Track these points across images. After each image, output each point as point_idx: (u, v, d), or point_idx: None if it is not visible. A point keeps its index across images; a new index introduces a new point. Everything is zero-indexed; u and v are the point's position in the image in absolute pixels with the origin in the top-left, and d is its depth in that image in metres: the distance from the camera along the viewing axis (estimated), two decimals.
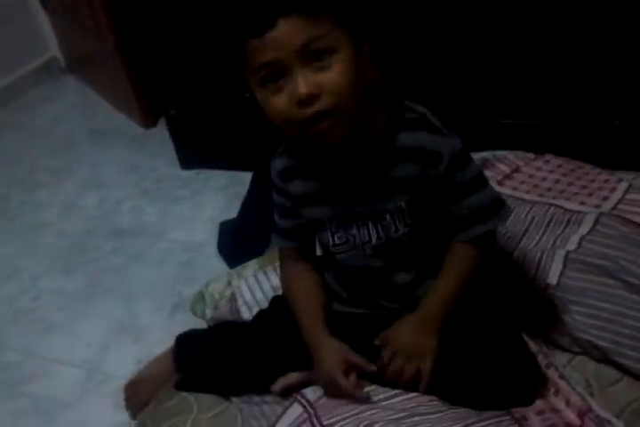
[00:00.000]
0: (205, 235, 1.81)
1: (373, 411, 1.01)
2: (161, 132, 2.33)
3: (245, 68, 0.92)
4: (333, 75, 0.88)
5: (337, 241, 1.07)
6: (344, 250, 1.07)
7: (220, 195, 2.00)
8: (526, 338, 1.11)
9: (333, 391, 1.06)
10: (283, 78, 0.89)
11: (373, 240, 1.03)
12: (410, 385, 1.03)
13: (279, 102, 0.90)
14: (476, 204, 1.00)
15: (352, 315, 1.13)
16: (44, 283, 1.82)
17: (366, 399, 1.04)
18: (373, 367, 1.04)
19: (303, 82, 0.87)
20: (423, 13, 1.65)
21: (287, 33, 0.86)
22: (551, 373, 1.06)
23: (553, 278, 1.17)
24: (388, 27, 1.56)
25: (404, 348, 1.03)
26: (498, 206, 1.02)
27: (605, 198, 1.33)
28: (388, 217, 1.01)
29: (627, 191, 1.34)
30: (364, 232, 1.04)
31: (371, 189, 1.01)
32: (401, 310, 1.09)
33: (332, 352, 1.06)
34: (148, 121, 2.51)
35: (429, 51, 1.70)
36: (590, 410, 0.99)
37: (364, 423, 0.98)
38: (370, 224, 1.03)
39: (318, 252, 1.18)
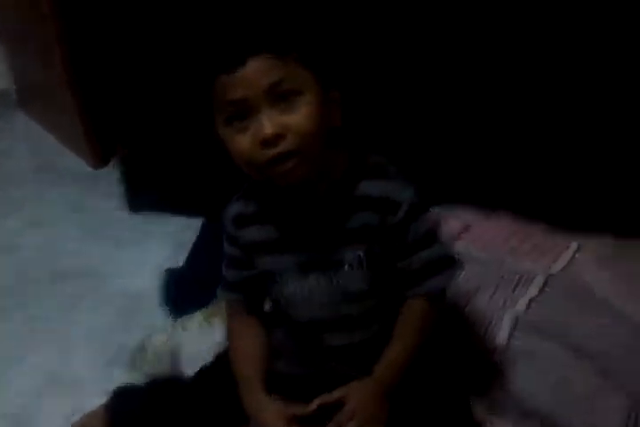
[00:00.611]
0: (149, 282, 1.75)
1: None
2: (110, 172, 2.29)
3: (212, 104, 0.92)
4: (299, 117, 0.89)
5: (291, 292, 1.04)
6: (297, 302, 1.04)
7: (168, 241, 1.95)
8: (473, 402, 1.09)
9: None
10: (249, 117, 0.89)
11: (331, 290, 1.01)
12: None
13: (243, 141, 0.90)
14: (429, 258, 0.99)
15: (295, 377, 1.09)
16: None
17: None
18: (313, 406, 1.00)
19: (269, 122, 0.88)
20: (384, 66, 1.67)
21: (256, 72, 0.88)
22: None
23: (502, 340, 1.17)
24: (354, 76, 1.57)
25: (362, 412, 0.98)
26: (450, 262, 1.02)
27: (554, 260, 1.36)
28: (346, 267, 0.99)
29: (575, 254, 1.36)
30: (320, 283, 1.01)
31: (329, 237, 0.99)
32: (350, 372, 1.05)
33: (275, 417, 1.02)
34: (98, 161, 2.46)
35: (388, 101, 1.72)
36: None
37: None
38: (327, 274, 1.01)
39: (267, 307, 1.15)
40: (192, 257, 1.74)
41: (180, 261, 1.77)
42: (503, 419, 1.11)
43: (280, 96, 0.89)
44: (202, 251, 1.74)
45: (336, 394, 1.00)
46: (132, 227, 2.06)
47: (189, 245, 1.79)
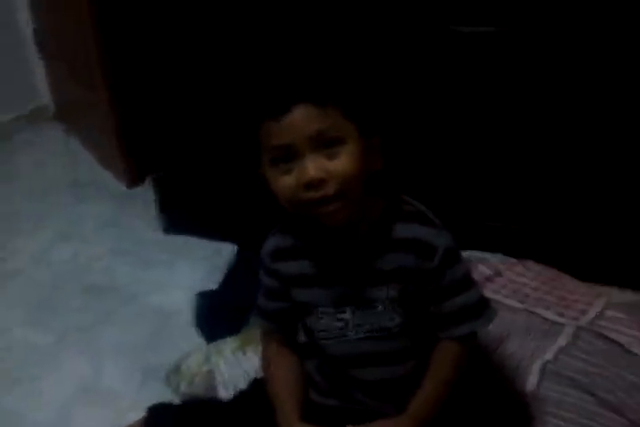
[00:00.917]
0: (180, 303, 1.78)
1: None
2: (145, 192, 2.32)
3: (256, 145, 0.97)
4: (341, 163, 0.93)
5: (326, 326, 1.07)
6: (331, 336, 1.07)
7: (200, 264, 1.98)
8: None
9: None
10: (293, 161, 0.94)
11: (364, 327, 1.04)
12: None
13: (287, 183, 0.94)
14: (464, 303, 1.02)
15: (328, 407, 1.12)
16: (15, 335, 1.77)
17: None
18: None
19: (312, 167, 0.92)
20: (422, 118, 1.73)
21: (301, 120, 0.92)
22: None
23: (530, 387, 1.19)
24: (393, 125, 1.63)
25: None
26: (484, 306, 1.05)
27: (584, 312, 1.37)
28: (379, 306, 1.02)
29: (605, 307, 1.38)
30: (355, 318, 1.04)
31: (364, 275, 1.03)
32: (381, 407, 1.08)
33: None
34: (132, 180, 2.50)
35: (422, 151, 1.77)
36: None
37: None
38: (361, 311, 1.04)
39: (301, 338, 1.18)
40: (225, 282, 1.78)
41: (210, 284, 1.81)
42: None
43: (323, 143, 0.93)
44: (234, 277, 1.78)
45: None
46: (164, 248, 2.10)
47: (221, 270, 1.83)
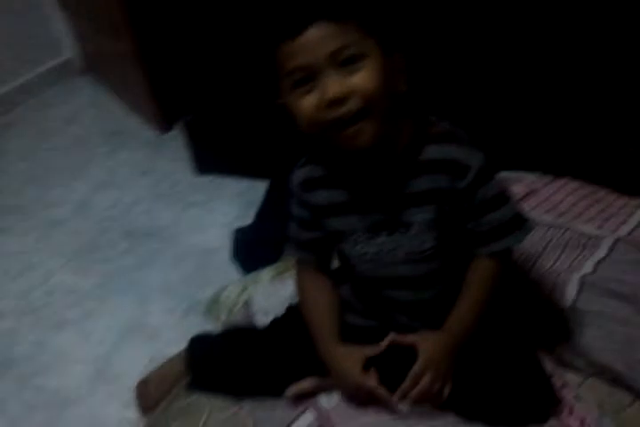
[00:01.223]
0: (219, 240, 1.81)
1: (388, 421, 1.02)
2: (177, 136, 2.33)
3: (277, 72, 0.94)
4: (363, 77, 0.91)
5: (361, 251, 1.07)
6: (366, 260, 1.08)
7: (235, 201, 2.01)
8: (542, 358, 1.12)
9: (362, 397, 1.07)
10: (313, 81, 0.91)
11: (399, 250, 1.04)
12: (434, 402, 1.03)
13: (309, 103, 0.92)
14: (499, 219, 1.01)
15: (366, 328, 1.14)
16: (58, 279, 1.83)
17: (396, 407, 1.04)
18: (385, 344, 1.06)
19: (333, 83, 0.90)
20: (445, 32, 1.67)
21: (317, 38, 0.90)
22: (565, 393, 1.08)
23: (568, 301, 1.18)
24: (413, 41, 1.58)
25: (434, 365, 1.02)
26: (520, 222, 1.03)
27: (623, 223, 1.35)
28: (414, 228, 1.02)
29: None
30: (388, 243, 1.05)
31: (397, 199, 1.02)
32: (416, 326, 1.10)
33: (351, 362, 1.06)
34: (164, 125, 2.51)
35: (449, 70, 1.73)
36: None
37: None
38: (396, 234, 1.04)
39: (334, 264, 1.20)
40: (260, 216, 1.79)
41: (247, 220, 1.82)
42: (573, 373, 1.13)
43: (343, 60, 0.90)
44: (269, 210, 1.79)
45: (409, 338, 1.04)
46: (200, 188, 2.12)
47: (256, 205, 1.84)
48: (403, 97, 0.98)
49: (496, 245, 1.02)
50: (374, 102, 0.91)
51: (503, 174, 1.52)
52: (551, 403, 1.05)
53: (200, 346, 1.28)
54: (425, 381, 1.01)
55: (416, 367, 1.01)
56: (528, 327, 1.16)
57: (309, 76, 0.91)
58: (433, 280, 1.07)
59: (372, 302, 1.14)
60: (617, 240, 1.28)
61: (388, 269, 1.07)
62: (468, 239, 1.03)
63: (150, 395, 1.28)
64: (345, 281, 1.17)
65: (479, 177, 0.98)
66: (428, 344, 1.03)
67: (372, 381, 1.04)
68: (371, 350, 1.06)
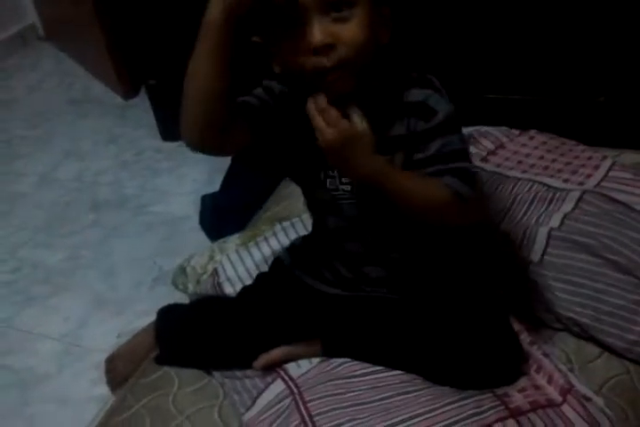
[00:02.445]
0: (187, 208, 1.79)
1: (358, 390, 1.01)
2: (142, 102, 2.29)
3: (261, 9, 0.87)
4: (351, 27, 0.86)
5: (320, 198, 1.03)
6: (326, 208, 1.03)
7: (202, 167, 1.98)
8: (510, 316, 1.11)
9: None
10: (298, 24, 0.86)
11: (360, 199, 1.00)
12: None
13: (292, 48, 0.87)
14: (452, 168, 0.92)
15: (337, 296, 1.12)
16: (24, 255, 1.80)
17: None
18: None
19: (320, 30, 0.85)
20: None
21: None
22: (534, 350, 1.07)
23: (536, 256, 1.17)
24: None
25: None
26: (472, 178, 0.94)
27: (589, 176, 1.33)
28: None
29: (610, 169, 1.34)
30: (352, 190, 1.00)
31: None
32: (387, 292, 1.08)
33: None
34: (128, 91, 2.47)
35: (418, 24, 1.68)
36: (572, 388, 1.00)
37: (348, 403, 0.98)
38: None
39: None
40: (226, 183, 1.76)
41: (215, 186, 1.80)
42: (541, 329, 1.13)
43: (332, 5, 0.85)
44: (236, 176, 1.76)
45: None
46: (166, 155, 2.09)
47: (223, 171, 1.81)
48: (384, 47, 0.93)
49: (445, 179, 0.91)
50: (358, 53, 0.87)
51: (470, 130, 1.51)
52: (519, 363, 1.04)
53: (167, 318, 1.26)
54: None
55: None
56: (496, 285, 1.15)
57: (294, 18, 0.86)
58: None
59: (344, 275, 1.11)
60: (584, 193, 1.26)
61: (349, 218, 1.03)
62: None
63: (119, 371, 1.27)
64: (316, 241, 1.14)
65: (442, 126, 0.93)
66: None
67: None
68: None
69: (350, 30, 0.86)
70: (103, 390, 1.30)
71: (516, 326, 1.10)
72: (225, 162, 1.86)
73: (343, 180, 1.01)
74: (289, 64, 0.89)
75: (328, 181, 1.02)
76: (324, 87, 0.89)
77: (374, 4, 0.89)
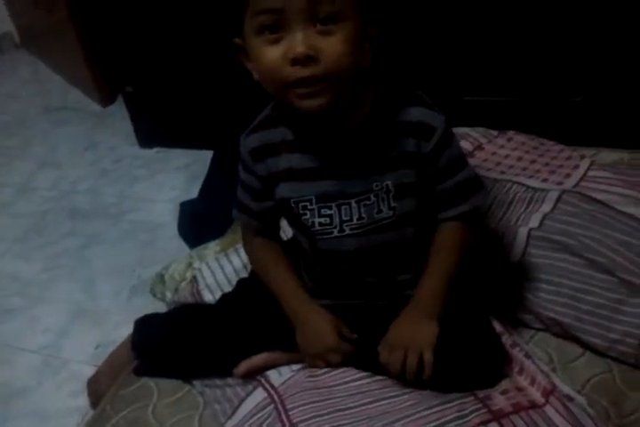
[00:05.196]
0: (165, 215, 1.77)
1: (339, 396, 1.00)
2: (119, 109, 2.28)
3: (245, 10, 0.87)
4: (334, 43, 0.85)
5: (319, 222, 1.01)
6: (326, 232, 1.02)
7: (181, 174, 1.96)
8: (491, 318, 1.10)
9: (327, 361, 1.05)
10: (282, 31, 0.85)
11: (354, 220, 0.99)
12: (414, 375, 0.99)
13: (273, 55, 0.85)
14: (463, 180, 0.99)
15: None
16: (1, 267, 1.78)
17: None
18: (355, 336, 1.04)
19: (303, 40, 0.83)
20: None
21: None
22: (516, 352, 1.06)
23: (516, 256, 1.16)
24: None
25: (400, 340, 0.99)
26: (479, 182, 1.02)
27: (568, 176, 1.33)
28: (372, 197, 0.98)
29: (589, 168, 1.34)
30: (345, 212, 1.00)
31: (358, 166, 0.97)
32: (369, 302, 1.07)
33: (329, 325, 1.03)
34: (106, 98, 2.45)
35: (397, 25, 1.67)
36: (555, 389, 1.00)
37: (329, 409, 0.97)
38: (352, 204, 0.99)
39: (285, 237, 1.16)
40: (205, 189, 1.75)
41: (193, 193, 1.78)
42: (522, 330, 1.13)
43: (318, 17, 0.84)
44: (214, 182, 1.75)
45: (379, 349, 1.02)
46: (144, 162, 2.07)
47: (202, 177, 1.79)
48: (366, 69, 0.92)
49: (463, 207, 0.99)
50: (339, 69, 0.86)
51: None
52: (502, 365, 1.03)
53: (145, 328, 1.24)
54: (396, 358, 0.98)
55: (380, 347, 1.00)
56: (477, 286, 1.14)
57: (278, 24, 0.84)
58: (386, 258, 1.04)
59: (323, 278, 1.10)
60: (563, 193, 1.26)
61: (340, 240, 1.02)
62: (431, 205, 1.00)
63: (102, 392, 1.23)
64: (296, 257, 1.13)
65: (443, 139, 0.95)
66: (393, 327, 1.01)
67: (347, 344, 1.03)
68: (345, 329, 1.05)
69: (334, 45, 0.85)
70: (83, 402, 1.28)
71: (498, 328, 1.09)
72: (203, 168, 1.85)
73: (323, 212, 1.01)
74: (268, 70, 0.87)
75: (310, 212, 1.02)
76: (296, 101, 0.88)
77: (362, 21, 0.88)
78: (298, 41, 0.83)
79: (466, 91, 1.76)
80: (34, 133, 2.37)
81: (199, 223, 1.65)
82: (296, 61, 0.84)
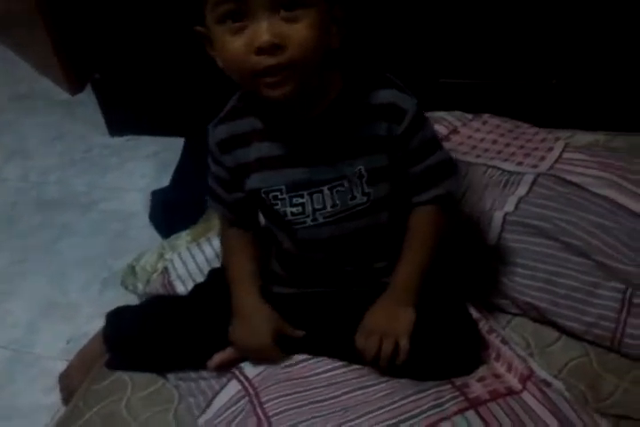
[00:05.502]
0: (137, 205, 1.74)
1: (314, 388, 0.99)
2: (88, 97, 2.23)
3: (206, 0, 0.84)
4: (300, 30, 0.82)
5: (293, 211, 0.99)
6: (299, 220, 1.00)
7: (152, 162, 1.93)
8: (467, 304, 1.09)
9: (257, 359, 1.05)
10: (246, 19, 0.82)
11: (328, 208, 0.98)
12: (387, 361, 0.98)
13: (237, 44, 0.83)
14: (436, 163, 0.98)
15: (292, 295, 1.09)
16: None
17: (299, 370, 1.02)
18: (301, 333, 1.03)
19: (268, 28, 0.81)
20: None
21: None
22: (493, 338, 1.06)
23: (491, 240, 1.15)
24: None
25: (376, 326, 0.98)
26: (452, 166, 1.01)
27: (543, 158, 1.31)
28: (345, 183, 0.96)
29: (563, 150, 1.33)
30: (317, 200, 0.98)
31: (329, 152, 0.95)
32: (345, 290, 1.06)
33: (265, 323, 1.03)
34: (74, 85, 2.40)
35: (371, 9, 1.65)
36: (532, 374, 0.99)
37: (304, 402, 0.96)
38: (325, 191, 0.97)
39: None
40: (176, 177, 1.72)
41: (165, 181, 1.76)
42: (499, 316, 1.12)
43: (282, 3, 0.81)
44: (186, 170, 1.72)
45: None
46: (114, 151, 2.04)
47: (173, 165, 1.77)
48: (334, 51, 0.90)
49: (436, 191, 0.98)
50: (307, 56, 0.84)
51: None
52: (479, 351, 1.02)
53: (117, 321, 1.21)
54: (372, 343, 0.97)
55: (357, 335, 0.99)
56: (453, 272, 1.13)
57: (241, 12, 0.82)
58: (362, 245, 1.02)
59: (296, 267, 1.08)
60: (538, 176, 1.25)
61: (315, 229, 1.00)
62: (404, 189, 0.99)
63: (74, 387, 1.21)
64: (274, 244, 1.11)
65: (414, 122, 0.94)
66: (369, 314, 1.00)
67: (277, 352, 1.02)
68: (289, 330, 1.04)
69: (300, 31, 0.82)
70: (55, 398, 1.25)
71: (474, 314, 1.09)
72: (175, 156, 1.82)
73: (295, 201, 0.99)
74: (233, 61, 0.85)
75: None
76: (262, 90, 0.86)
77: (328, 3, 0.86)
78: (262, 29, 0.81)
79: (441, 73, 1.74)
80: (1, 123, 2.31)
81: (171, 212, 1.62)
82: (261, 50, 0.82)
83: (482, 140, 1.41)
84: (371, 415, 0.93)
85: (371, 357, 0.98)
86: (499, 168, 1.30)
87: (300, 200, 0.98)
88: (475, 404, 0.94)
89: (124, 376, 1.13)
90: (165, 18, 1.80)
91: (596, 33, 1.58)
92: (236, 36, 0.83)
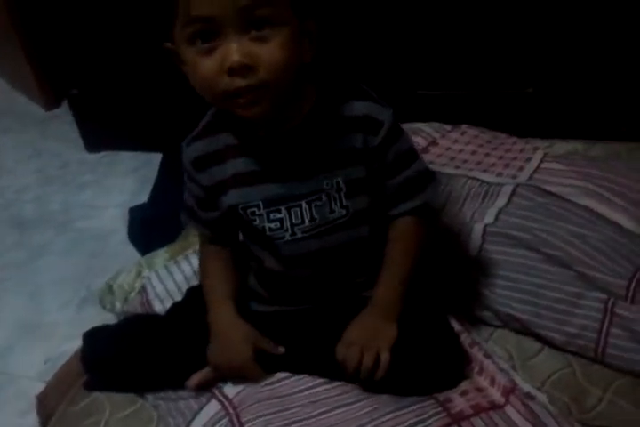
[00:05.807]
0: (115, 222, 1.72)
1: (295, 406, 0.97)
2: (65, 113, 2.21)
3: (174, 20, 0.83)
4: (272, 48, 0.81)
5: (271, 226, 0.98)
6: (279, 235, 0.98)
7: (129, 178, 1.91)
8: (449, 316, 1.08)
9: (237, 378, 1.04)
10: (215, 40, 0.81)
11: (306, 222, 0.96)
12: (368, 373, 0.97)
13: (208, 66, 0.82)
14: (412, 175, 0.97)
15: (272, 313, 1.08)
16: None
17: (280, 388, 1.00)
18: (282, 349, 1.02)
19: (238, 49, 0.80)
20: None
21: None
22: (475, 351, 1.04)
23: (472, 253, 1.15)
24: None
25: (358, 339, 0.97)
26: (430, 177, 1.00)
27: (521, 169, 1.32)
28: (323, 197, 0.95)
29: (542, 160, 1.33)
30: (295, 214, 0.97)
31: (306, 166, 0.94)
32: (326, 306, 1.05)
33: (244, 341, 1.01)
34: (50, 101, 2.38)
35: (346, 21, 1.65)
36: (515, 387, 0.98)
37: (285, 422, 0.94)
38: (303, 205, 0.96)
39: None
40: (154, 193, 1.70)
41: (143, 198, 1.74)
42: (481, 328, 1.11)
43: (253, 22, 0.80)
44: (164, 186, 1.71)
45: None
46: (91, 167, 2.02)
47: (151, 181, 1.75)
48: (307, 64, 0.89)
49: (414, 202, 0.98)
50: (279, 76, 0.83)
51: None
52: (461, 365, 1.01)
53: (93, 341, 1.19)
54: (352, 355, 0.96)
55: (337, 347, 0.98)
56: (434, 285, 1.12)
57: (211, 32, 0.81)
58: (354, 250, 1.01)
59: (276, 286, 1.07)
60: (517, 186, 1.25)
61: (295, 244, 0.99)
62: (382, 201, 0.98)
63: (51, 408, 1.18)
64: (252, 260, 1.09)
65: (390, 133, 0.93)
66: (350, 326, 0.99)
67: (257, 370, 1.01)
68: (266, 347, 1.02)
69: (271, 52, 0.81)
70: (32, 420, 1.22)
71: (456, 327, 1.07)
72: (152, 172, 1.81)
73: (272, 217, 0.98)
74: (204, 82, 0.84)
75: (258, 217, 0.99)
76: (237, 110, 0.86)
77: (298, 20, 0.85)
78: (232, 50, 0.80)
79: (418, 85, 1.74)
80: None
81: (149, 229, 1.60)
82: (232, 71, 0.81)
83: (460, 151, 1.42)
84: None
85: (351, 367, 0.96)
86: (478, 179, 1.30)
87: (278, 215, 0.97)
88: (457, 419, 0.92)
89: (102, 397, 1.11)
90: (143, 33, 1.79)
91: (570, 41, 1.59)
92: (205, 57, 0.82)
